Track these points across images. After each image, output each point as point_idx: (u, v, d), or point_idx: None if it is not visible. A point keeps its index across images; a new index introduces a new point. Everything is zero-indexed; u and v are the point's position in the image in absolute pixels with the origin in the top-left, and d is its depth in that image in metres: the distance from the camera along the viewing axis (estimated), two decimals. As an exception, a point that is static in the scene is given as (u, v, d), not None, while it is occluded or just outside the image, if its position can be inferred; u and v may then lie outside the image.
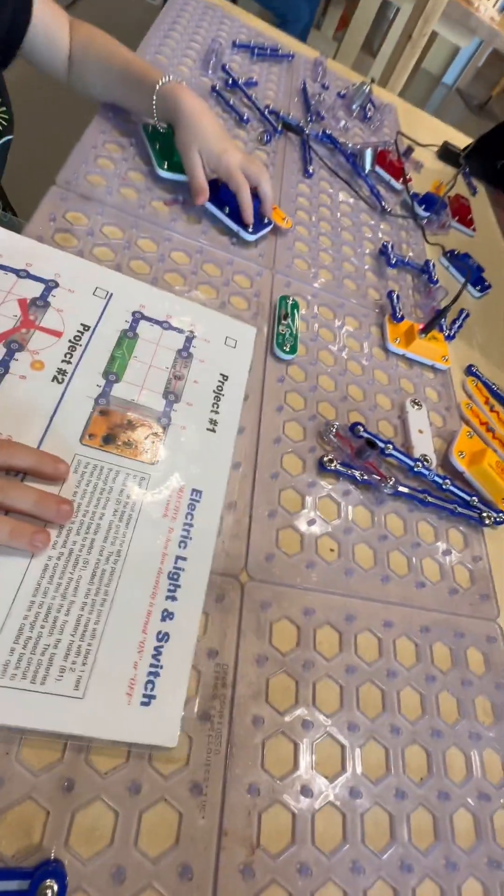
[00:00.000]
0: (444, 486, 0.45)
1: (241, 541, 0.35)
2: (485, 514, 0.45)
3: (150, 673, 0.28)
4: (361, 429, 0.43)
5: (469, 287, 0.69)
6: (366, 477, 0.42)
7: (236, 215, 0.51)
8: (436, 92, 4.17)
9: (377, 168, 0.74)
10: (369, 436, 0.43)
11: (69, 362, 0.35)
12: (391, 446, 0.44)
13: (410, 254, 0.67)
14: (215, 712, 0.29)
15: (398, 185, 0.74)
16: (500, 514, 0.46)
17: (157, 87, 0.49)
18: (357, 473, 0.42)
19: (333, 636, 0.34)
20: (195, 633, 0.30)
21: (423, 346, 0.54)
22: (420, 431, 0.48)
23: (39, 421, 0.32)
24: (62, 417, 0.33)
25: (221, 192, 0.51)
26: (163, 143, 0.53)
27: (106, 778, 0.25)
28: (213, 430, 0.38)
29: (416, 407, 0.49)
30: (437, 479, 0.44)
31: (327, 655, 0.33)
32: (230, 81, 0.70)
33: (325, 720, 0.31)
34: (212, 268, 0.49)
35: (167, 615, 0.30)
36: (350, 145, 0.73)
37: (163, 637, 0.29)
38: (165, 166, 0.52)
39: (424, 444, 0.47)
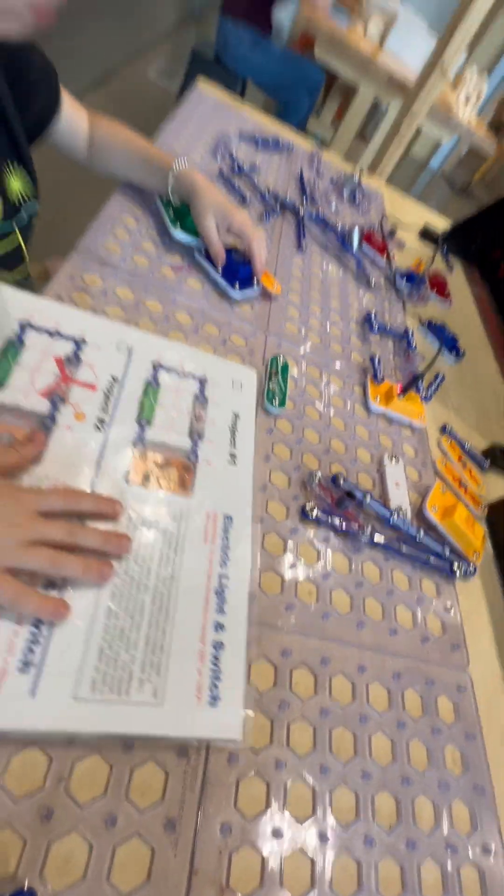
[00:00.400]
0: (418, 538, 0.47)
1: (244, 638, 0.37)
2: (456, 566, 0.48)
3: (213, 677, 0.32)
4: (342, 480, 0.47)
5: (445, 353, 0.76)
6: (345, 525, 0.45)
7: (227, 274, 0.57)
8: (422, 175, 4.59)
9: (364, 246, 0.83)
10: (349, 487, 0.46)
11: (106, 411, 0.40)
12: (369, 497, 0.47)
13: (392, 322, 0.74)
14: (192, 749, 0.30)
15: (382, 261, 0.83)
16: (470, 566, 0.49)
17: (173, 170, 0.57)
18: (337, 521, 0.45)
19: (309, 678, 0.36)
20: (244, 638, 0.34)
21: (401, 406, 0.59)
22: (396, 484, 0.51)
23: (89, 465, 0.37)
24: (107, 461, 0.38)
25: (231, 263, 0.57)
26: (176, 210, 0.60)
27: (84, 808, 0.26)
28: (234, 463, 0.43)
29: (394, 461, 0.53)
30: (411, 530, 0.48)
31: (302, 696, 0.35)
32: (236, 167, 0.79)
33: (297, 762, 0.32)
34: (211, 327, 0.54)
35: (219, 626, 0.34)
36: (340, 226, 0.82)
37: (218, 645, 0.33)
38: (178, 226, 0.59)
39: (400, 497, 0.50)
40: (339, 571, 0.42)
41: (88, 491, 0.35)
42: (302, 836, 0.30)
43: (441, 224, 1.09)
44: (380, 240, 0.85)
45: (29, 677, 0.27)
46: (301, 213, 0.79)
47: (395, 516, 0.47)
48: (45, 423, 0.37)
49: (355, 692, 0.37)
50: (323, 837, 0.30)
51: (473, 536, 0.50)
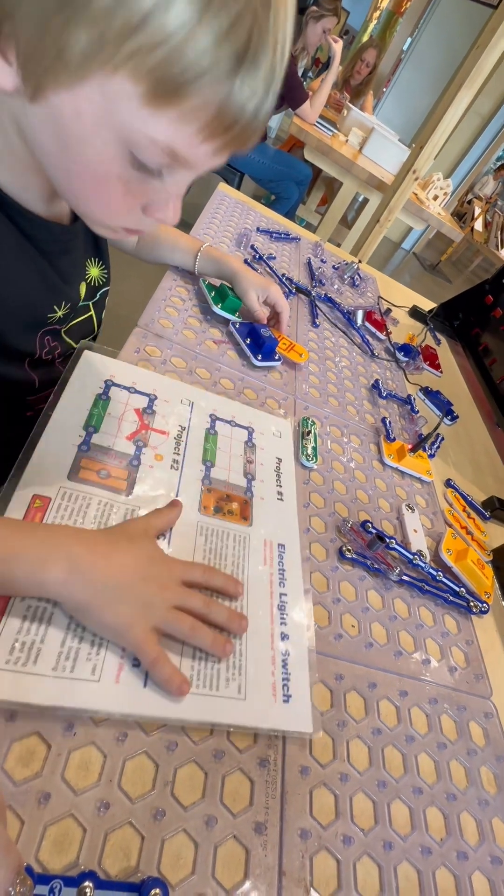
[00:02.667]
0: (437, 577, 0.54)
1: (306, 646, 0.42)
2: (472, 604, 0.54)
3: (284, 678, 0.37)
4: (370, 525, 0.54)
5: (444, 418, 0.86)
6: (376, 566, 0.51)
7: (253, 346, 0.66)
8: (396, 254, 5.09)
9: (366, 323, 0.96)
10: (378, 531, 0.53)
11: (178, 454, 0.48)
12: (394, 541, 0.54)
13: (396, 389, 0.84)
14: (271, 760, 0.34)
15: (382, 336, 0.95)
16: (484, 605, 0.55)
17: (200, 250, 0.71)
18: (369, 562, 0.51)
19: (360, 701, 0.40)
20: (306, 648, 0.40)
21: (411, 462, 0.67)
22: (415, 531, 0.58)
23: (168, 498, 0.43)
24: (183, 495, 0.44)
25: (249, 328, 0.67)
26: (217, 291, 0.71)
27: (188, 811, 0.29)
28: (282, 499, 0.50)
29: (410, 510, 0.60)
30: (431, 571, 0.54)
31: (356, 717, 0.39)
32: (256, 256, 0.92)
33: (358, 775, 0.36)
34: (250, 392, 0.62)
35: (284, 636, 0.40)
36: (345, 307, 0.94)
37: (285, 652, 0.39)
38: (220, 306, 0.69)
39: (419, 542, 0.57)
40: (374, 607, 0.48)
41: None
42: (369, 844, 0.33)
43: (426, 304, 1.25)
44: (379, 318, 0.97)
45: (140, 671, 0.32)
46: (312, 294, 0.92)
47: (417, 558, 0.54)
48: (132, 462, 0.44)
49: (400, 715, 0.41)
50: (387, 846, 0.34)
51: (485, 577, 0.56)
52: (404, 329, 1.08)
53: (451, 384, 1.02)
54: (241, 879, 0.29)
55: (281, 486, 0.52)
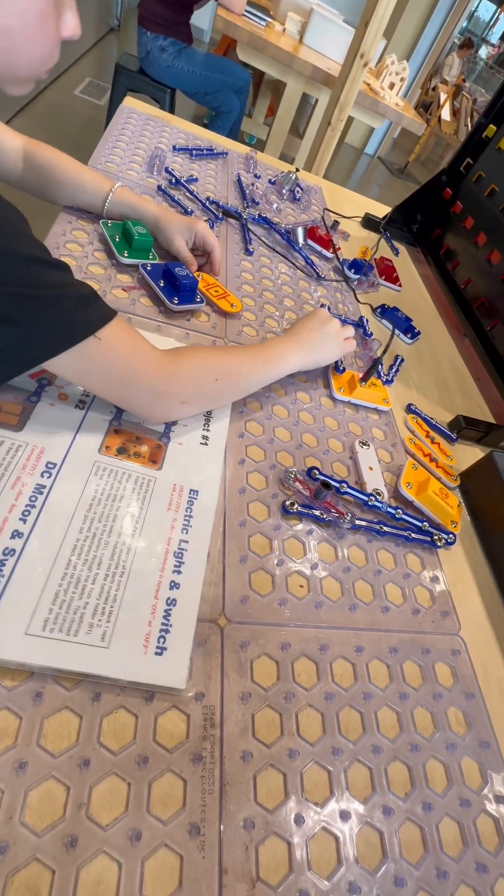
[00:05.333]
0: (396, 516, 0.49)
1: (218, 587, 0.38)
2: (436, 537, 0.50)
3: (162, 630, 0.34)
4: (317, 472, 0.48)
5: (401, 336, 0.79)
6: (325, 515, 0.46)
7: (168, 289, 0.58)
8: (360, 161, 4.68)
9: (309, 241, 0.85)
10: (324, 478, 0.48)
11: (87, 395, 0.45)
12: (345, 485, 0.49)
13: (346, 312, 0.76)
14: (206, 753, 0.31)
15: (329, 254, 0.85)
16: (450, 536, 0.51)
17: (112, 192, 0.61)
18: (317, 513, 0.46)
19: (310, 667, 0.37)
20: (198, 599, 0.37)
21: (364, 393, 0.61)
22: (370, 468, 0.53)
23: (66, 436, 0.41)
24: (83, 435, 0.42)
25: (162, 269, 0.58)
26: (120, 235, 0.61)
27: (107, 830, 0.27)
28: (206, 444, 0.47)
29: (364, 447, 0.55)
30: (389, 510, 0.49)
31: (306, 685, 0.36)
32: (173, 180, 0.80)
33: (310, 748, 0.33)
34: (171, 342, 0.55)
35: (174, 585, 0.37)
36: (283, 225, 0.83)
37: (171, 602, 0.36)
38: (126, 254, 0.59)
39: (375, 480, 0.52)
40: (326, 560, 0.44)
41: (62, 458, 0.40)
42: (323, 819, 0.31)
43: (381, 210, 1.12)
44: (324, 233, 0.87)
45: None
46: (244, 216, 0.81)
47: (373, 499, 0.49)
48: (31, 400, 0.42)
49: (356, 673, 0.38)
50: (344, 815, 0.32)
51: (449, 506, 0.52)
52: (357, 243, 0.97)
53: (413, 298, 0.93)
54: (176, 888, 0.26)
55: (208, 431, 0.48)
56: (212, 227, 0.75)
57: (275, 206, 0.90)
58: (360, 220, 1.06)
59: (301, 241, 0.83)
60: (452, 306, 0.92)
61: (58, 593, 0.33)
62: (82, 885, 0.25)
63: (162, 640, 0.34)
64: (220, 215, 0.79)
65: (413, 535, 0.49)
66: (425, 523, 0.50)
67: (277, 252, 0.79)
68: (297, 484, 0.47)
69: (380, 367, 0.66)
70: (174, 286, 0.58)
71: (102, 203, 0.62)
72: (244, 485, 0.46)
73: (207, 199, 0.80)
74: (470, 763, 0.37)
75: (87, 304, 0.37)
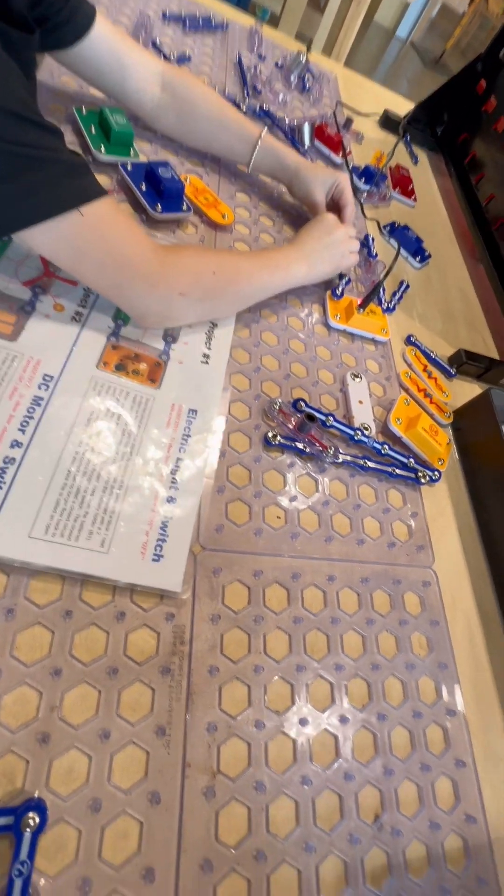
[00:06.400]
0: (382, 452, 0.48)
1: (194, 511, 0.38)
2: (420, 474, 0.49)
3: (159, 539, 0.35)
4: (303, 404, 0.47)
5: (409, 259, 0.72)
6: (308, 448, 0.45)
7: (151, 194, 0.52)
8: (390, 47, 4.06)
9: (316, 143, 0.75)
10: (310, 410, 0.46)
11: (84, 306, 0.43)
12: (332, 418, 0.47)
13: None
14: (175, 666, 0.32)
15: (338, 158, 0.76)
16: (435, 473, 0.50)
17: (260, 141, 0.58)
18: (300, 446, 0.45)
19: (281, 593, 0.38)
20: (194, 514, 0.38)
21: (362, 321, 0.57)
22: (360, 402, 0.51)
23: (62, 349, 0.40)
24: (80, 348, 0.40)
25: (145, 169, 0.52)
26: (96, 126, 0.54)
27: (78, 729, 0.29)
28: (207, 363, 0.46)
29: (357, 379, 0.53)
30: (376, 445, 0.48)
31: (276, 610, 0.37)
32: (161, 58, 0.68)
33: (275, 664, 0.35)
34: (153, 257, 0.50)
35: (171, 500, 0.38)
36: (288, 120, 0.73)
37: (167, 516, 0.37)
38: (104, 149, 0.52)
39: (364, 414, 0.51)
40: (305, 493, 0.44)
41: (59, 370, 0.39)
42: (283, 723, 0.34)
43: (405, 108, 0.98)
44: (334, 132, 0.76)
45: None
46: (243, 108, 0.71)
47: (359, 433, 0.48)
48: (25, 309, 0.40)
49: (326, 600, 0.39)
50: (303, 722, 0.34)
51: (437, 444, 0.51)
52: (371, 145, 0.86)
53: (428, 216, 0.84)
54: (141, 778, 0.29)
55: (210, 349, 0.46)
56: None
57: (280, 96, 0.79)
58: (377, 118, 0.94)
59: (307, 141, 0.73)
60: (470, 227, 0.84)
61: (58, 502, 0.34)
62: (55, 773, 0.27)
63: (159, 548, 0.35)
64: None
65: (397, 470, 0.48)
66: (411, 459, 0.49)
67: (279, 154, 0.70)
68: (282, 415, 0.46)
69: (381, 292, 0.61)
70: (158, 190, 0.52)
71: (250, 152, 0.59)
72: (226, 414, 0.44)
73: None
74: (427, 681, 0.40)
75: (79, 175, 0.34)
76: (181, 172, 0.59)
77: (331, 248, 0.54)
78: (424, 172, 0.93)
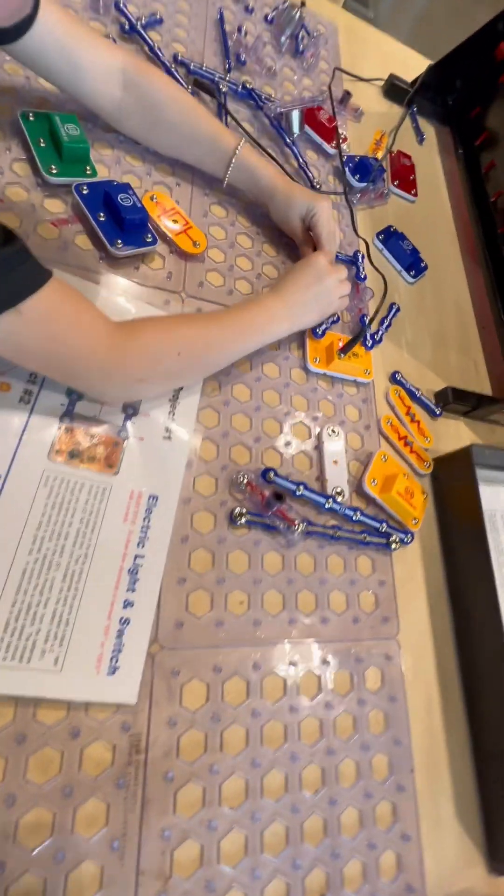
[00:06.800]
0: (354, 518, 0.47)
1: (152, 613, 0.38)
2: (392, 539, 0.48)
3: (115, 650, 0.35)
4: (273, 474, 0.45)
5: (403, 273, 0.66)
6: (276, 523, 0.44)
7: (110, 225, 0.46)
8: None
9: (307, 129, 0.66)
10: (279, 483, 0.44)
11: (34, 383, 0.39)
12: (303, 487, 0.45)
13: (341, 236, 0.63)
14: (130, 777, 0.33)
15: (331, 148, 0.67)
16: (408, 536, 0.49)
17: (236, 154, 0.51)
18: (268, 521, 0.44)
19: (241, 686, 0.39)
20: (152, 617, 0.37)
21: (343, 363, 0.53)
22: (335, 462, 0.49)
23: (10, 439, 0.37)
24: (31, 435, 0.38)
25: (103, 191, 0.46)
26: (45, 140, 0.46)
27: (34, 852, 0.30)
28: (169, 438, 0.42)
29: (333, 435, 0.50)
30: (347, 512, 0.47)
31: (234, 704, 0.38)
32: (127, 26, 0.58)
33: (231, 761, 0.36)
34: (149, 310, 0.45)
35: (128, 603, 0.36)
36: (276, 104, 0.64)
37: (125, 621, 0.36)
38: (56, 170, 0.46)
39: (338, 476, 0.49)
40: (271, 572, 0.43)
41: (6, 468, 0.36)
42: (237, 819, 0.35)
43: (415, 68, 0.85)
44: (327, 117, 0.67)
45: None
46: (222, 90, 0.61)
47: (331, 501, 0.46)
48: None
49: (286, 687, 0.40)
50: (255, 817, 0.36)
51: (412, 507, 0.49)
52: (372, 124, 0.77)
53: (429, 211, 0.77)
54: (95, 892, 0.31)
55: (173, 421, 0.43)
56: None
57: (268, 68, 0.68)
58: (382, 84, 0.82)
59: (296, 129, 0.65)
60: (474, 224, 0.77)
61: (8, 622, 0.33)
62: (12, 894, 0.29)
63: (115, 659, 0.35)
64: (191, 89, 0.59)
65: (368, 537, 0.47)
66: (384, 524, 0.48)
67: (263, 149, 0.62)
68: (249, 489, 0.44)
69: (365, 333, 0.57)
70: (118, 220, 0.46)
71: (224, 168, 0.52)
72: (190, 493, 0.42)
73: (175, 57, 0.60)
74: (381, 759, 0.41)
75: (12, 267, 0.29)
76: (147, 186, 0.52)
77: (319, 297, 0.49)
78: (429, 153, 0.83)
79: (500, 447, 0.54)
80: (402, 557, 0.50)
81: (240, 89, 0.63)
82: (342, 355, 0.52)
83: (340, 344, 0.53)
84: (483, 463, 0.53)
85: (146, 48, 0.59)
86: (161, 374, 0.40)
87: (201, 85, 0.60)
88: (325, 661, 0.42)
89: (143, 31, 0.59)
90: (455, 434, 0.61)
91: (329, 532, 0.46)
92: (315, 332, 0.53)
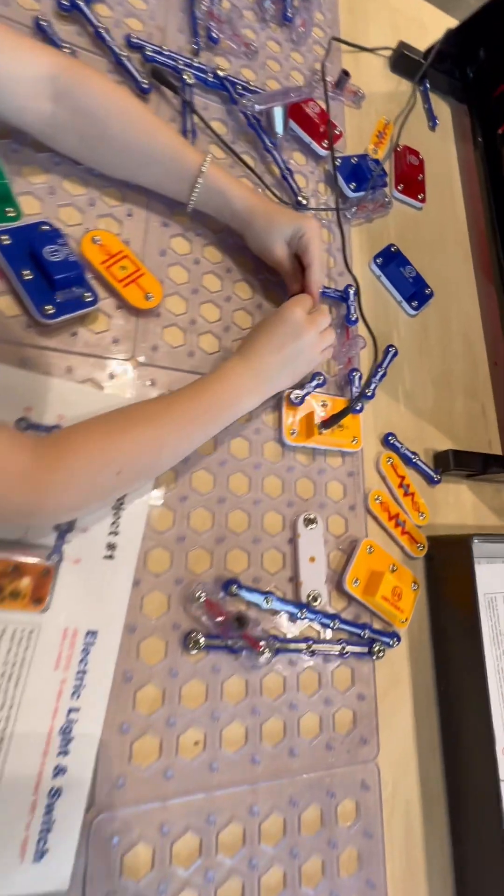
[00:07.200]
0: (333, 627, 0.41)
1: (89, 776, 0.33)
2: (376, 647, 0.43)
3: (43, 829, 0.30)
4: (236, 587, 0.38)
5: (403, 305, 0.57)
6: (239, 646, 0.38)
7: (35, 287, 0.37)
8: None
9: (293, 127, 0.55)
10: (243, 596, 0.38)
11: None
12: (271, 598, 0.39)
13: (330, 273, 0.53)
14: None
15: (322, 150, 0.56)
16: (393, 639, 0.44)
17: (202, 173, 0.42)
18: (229, 643, 0.38)
19: (193, 843, 0.34)
20: (88, 780, 0.31)
21: (326, 437, 0.45)
22: (311, 559, 0.43)
23: None
24: None
25: (29, 240, 0.37)
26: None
27: None
28: (112, 557, 0.36)
29: (310, 526, 0.43)
30: (325, 621, 0.41)
31: (186, 865, 0.34)
32: (67, 2, 0.47)
33: (179, 936, 0.32)
34: (49, 366, 0.38)
35: (59, 770, 0.31)
36: (254, 100, 0.52)
37: (55, 793, 0.30)
38: None
39: (315, 576, 0.42)
40: (232, 702, 0.38)
41: None
42: None
43: (432, 32, 0.71)
44: (318, 111, 0.55)
45: None
46: (188, 82, 0.50)
47: (304, 611, 0.40)
48: None
49: (246, 836, 0.36)
50: None
51: (399, 610, 0.43)
52: (374, 110, 0.64)
53: (440, 217, 0.66)
54: None
55: (117, 533, 0.36)
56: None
57: (248, 41, 0.56)
58: (389, 55, 0.69)
59: (280, 128, 0.54)
60: (490, 232, 0.66)
61: None
62: None
63: (42, 841, 0.30)
64: (148, 82, 0.48)
65: (348, 647, 0.42)
66: (366, 631, 0.42)
67: (236, 156, 0.51)
68: (207, 607, 0.38)
69: (354, 385, 0.48)
70: (47, 277, 0.38)
71: (188, 190, 0.42)
72: (136, 617, 0.36)
73: (127, 40, 0.48)
74: (352, 902, 0.38)
75: None
76: (90, 223, 0.42)
77: (296, 358, 0.41)
78: (443, 143, 0.71)
79: (502, 533, 0.47)
80: (387, 658, 0.44)
81: (210, 77, 0.52)
82: (323, 430, 0.44)
83: (323, 414, 0.45)
84: (483, 555, 0.46)
85: (90, 28, 0.47)
86: (98, 497, 0.33)
87: (160, 76, 0.49)
88: (292, 802, 0.38)
89: (85, 8, 0.47)
90: (455, 500, 0.54)
91: (302, 648, 0.40)
92: (292, 400, 0.45)
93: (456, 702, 0.44)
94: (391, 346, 0.53)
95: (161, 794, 0.34)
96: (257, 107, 0.51)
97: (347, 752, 0.40)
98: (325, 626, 0.41)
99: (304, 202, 0.53)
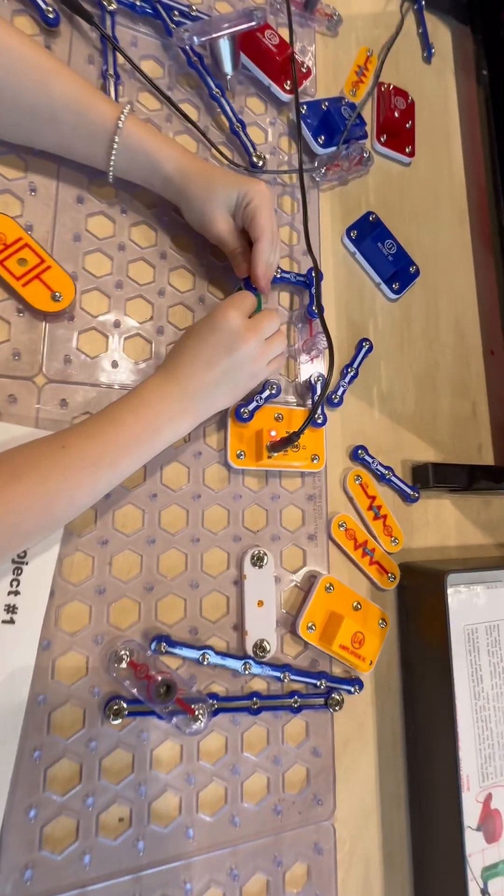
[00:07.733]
0: (283, 680, 0.36)
1: (-13, 868, 0.29)
2: (332, 699, 0.38)
3: None
4: (165, 645, 0.33)
5: (383, 287, 0.48)
6: (169, 711, 0.33)
7: None
8: None
9: (245, 63, 0.44)
10: (174, 653, 0.33)
11: None
12: (209, 654, 0.34)
13: (287, 251, 0.44)
14: None
15: (284, 94, 0.45)
16: (355, 686, 0.39)
17: (118, 132, 0.33)
18: (158, 709, 0.33)
19: (116, 929, 0.31)
20: None
21: (280, 457, 0.39)
22: (259, 604, 0.37)
23: None
24: None
25: None
26: None
27: None
28: (12, 621, 0.30)
29: (258, 565, 0.37)
30: (273, 673, 0.36)
31: None
32: None
33: None
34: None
35: None
36: (194, 29, 0.41)
37: None
38: None
39: (263, 623, 0.37)
40: (162, 770, 0.33)
41: None
42: None
43: None
44: (276, 42, 0.44)
45: None
46: (108, 6, 0.40)
47: (249, 665, 0.35)
48: None
49: (179, 916, 0.32)
50: None
51: (361, 658, 0.38)
52: (354, 38, 0.53)
53: (433, 172, 0.55)
54: None
55: (18, 592, 0.31)
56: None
57: (188, -48, 0.44)
58: (374, -36, 0.56)
59: (229, 66, 0.43)
60: (492, 189, 0.55)
61: None
62: None
63: None
64: (55, 10, 0.38)
65: (300, 700, 0.37)
66: (322, 680, 0.37)
67: (174, 106, 0.41)
68: (132, 669, 0.33)
69: (315, 394, 0.41)
70: None
71: (105, 154, 0.34)
72: (46, 685, 0.31)
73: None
74: None
75: None
76: (-20, 201, 0.34)
77: (233, 374, 0.33)
78: (439, 79, 0.59)
79: (479, 567, 0.41)
80: (349, 705, 0.40)
81: (138, 2, 0.41)
82: (273, 454, 0.38)
83: (273, 433, 0.38)
84: (464, 581, 0.40)
85: None
86: None
87: (71, 3, 0.39)
88: (232, 875, 0.34)
89: None
90: (436, 518, 0.47)
91: (246, 705, 0.35)
92: (239, 415, 0.38)
93: (424, 746, 0.40)
94: (365, 339, 0.45)
95: (79, 881, 0.30)
96: (197, 39, 0.41)
97: (299, 813, 0.37)
98: (275, 677, 0.36)
99: (260, 163, 0.43)
